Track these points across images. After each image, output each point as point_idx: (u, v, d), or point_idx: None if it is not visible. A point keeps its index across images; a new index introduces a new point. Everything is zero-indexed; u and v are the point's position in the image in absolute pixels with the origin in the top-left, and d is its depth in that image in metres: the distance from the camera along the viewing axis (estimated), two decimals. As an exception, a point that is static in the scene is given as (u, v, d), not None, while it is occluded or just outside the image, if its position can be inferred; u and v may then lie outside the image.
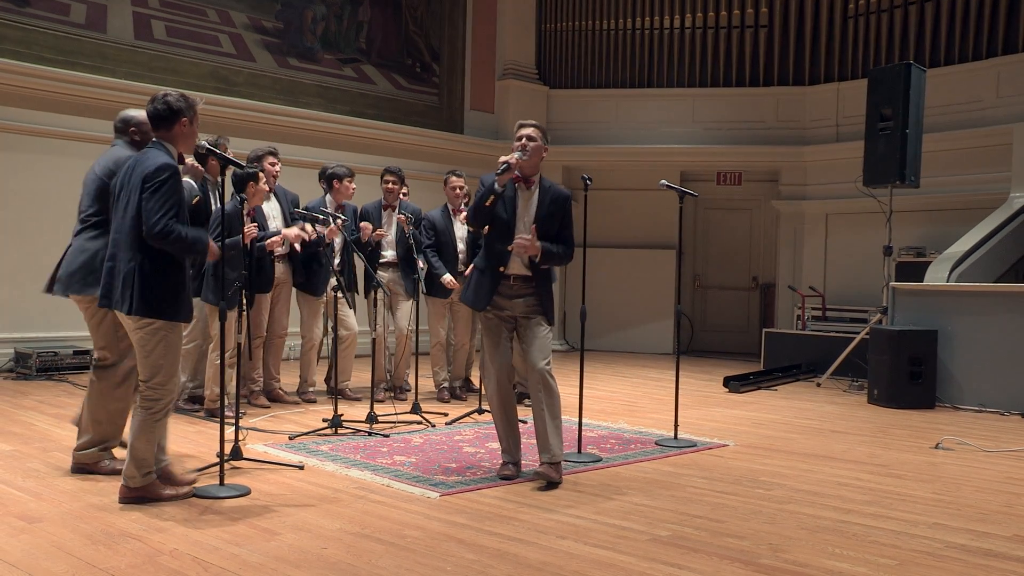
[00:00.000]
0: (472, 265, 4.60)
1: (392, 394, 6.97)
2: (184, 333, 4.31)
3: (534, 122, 4.43)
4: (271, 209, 6.40)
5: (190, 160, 5.01)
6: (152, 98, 3.85)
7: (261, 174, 5.73)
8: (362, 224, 6.74)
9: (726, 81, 11.86)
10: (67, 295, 4.24)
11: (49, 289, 4.32)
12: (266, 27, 9.87)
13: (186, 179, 4.42)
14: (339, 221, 6.21)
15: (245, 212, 5.54)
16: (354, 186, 6.78)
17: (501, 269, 4.37)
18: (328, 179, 6.75)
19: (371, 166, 10.07)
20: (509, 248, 4.33)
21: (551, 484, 4.24)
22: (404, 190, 7.18)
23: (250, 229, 5.79)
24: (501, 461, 4.51)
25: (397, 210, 6.94)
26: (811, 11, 11.46)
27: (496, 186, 4.28)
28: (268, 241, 6.04)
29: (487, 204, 4.29)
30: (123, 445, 4.28)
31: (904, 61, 8.86)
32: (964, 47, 10.34)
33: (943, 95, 10.08)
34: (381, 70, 10.92)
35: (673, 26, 12.02)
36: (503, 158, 4.28)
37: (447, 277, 6.79)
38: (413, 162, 9.84)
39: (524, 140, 4.33)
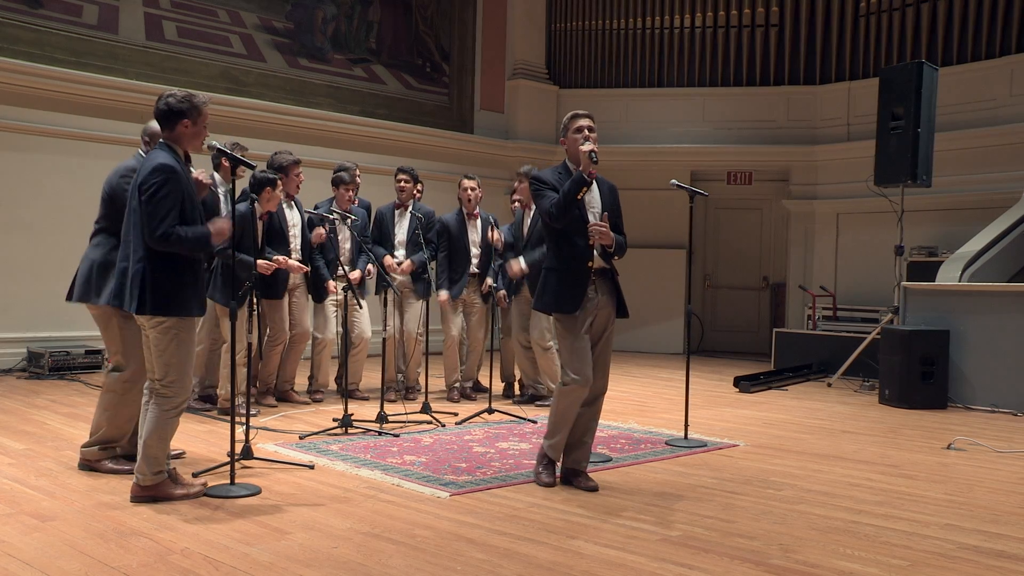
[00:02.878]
0: (544, 269, 4.31)
1: (403, 394, 6.98)
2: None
3: (588, 112, 4.34)
4: (292, 217, 6.41)
5: (199, 173, 5.01)
6: (158, 97, 3.89)
7: (279, 181, 5.73)
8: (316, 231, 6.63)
9: (736, 80, 11.84)
10: (75, 302, 4.42)
11: (69, 296, 4.47)
12: (276, 27, 9.90)
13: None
14: (348, 221, 6.22)
15: (258, 216, 5.57)
16: (350, 195, 6.73)
17: (589, 264, 4.18)
18: (332, 181, 6.77)
19: (381, 166, 10.10)
20: (591, 243, 4.18)
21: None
22: (419, 187, 7.19)
23: (265, 265, 5.83)
24: (548, 464, 4.29)
25: (410, 209, 6.94)
26: (822, 10, 11.42)
27: (587, 176, 4.12)
28: (260, 265, 6.00)
29: (579, 196, 4.12)
30: (124, 456, 4.37)
31: (916, 60, 8.83)
32: (977, 45, 10.29)
33: (956, 94, 10.03)
34: (391, 70, 10.93)
35: (683, 25, 12.00)
36: (588, 147, 4.14)
37: (443, 295, 6.88)
38: (423, 162, 9.86)
39: (586, 131, 4.24)
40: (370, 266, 6.64)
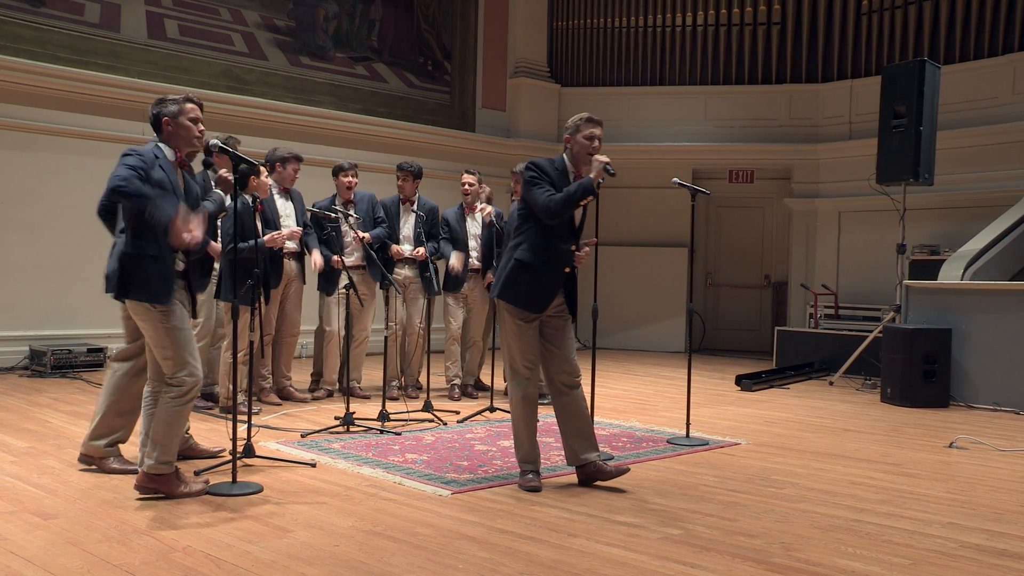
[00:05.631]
0: (516, 261, 4.21)
1: (404, 392, 6.98)
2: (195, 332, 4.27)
3: (601, 121, 4.33)
4: (284, 208, 6.42)
5: (224, 172, 5.00)
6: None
7: (262, 168, 5.71)
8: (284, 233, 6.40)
9: (739, 79, 11.83)
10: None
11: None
12: (278, 26, 9.90)
13: (218, 191, 4.43)
14: (351, 219, 6.22)
15: (256, 209, 5.56)
16: (348, 180, 6.67)
17: (567, 271, 4.21)
18: (332, 173, 6.79)
19: (383, 164, 10.09)
20: (573, 248, 4.20)
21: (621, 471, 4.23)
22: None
23: (273, 239, 5.82)
24: (521, 471, 4.26)
25: (416, 206, 6.95)
26: (824, 8, 11.40)
27: (596, 188, 4.09)
28: (266, 238, 5.98)
29: (583, 203, 4.13)
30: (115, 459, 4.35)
31: (918, 58, 8.81)
32: (980, 43, 10.27)
33: (958, 92, 10.01)
34: (393, 68, 10.93)
35: (685, 23, 11.99)
36: (605, 159, 4.12)
37: (453, 261, 6.82)
38: (425, 160, 9.84)
39: (597, 142, 4.22)
40: (366, 235, 6.58)
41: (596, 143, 4.22)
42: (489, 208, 6.95)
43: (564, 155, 4.32)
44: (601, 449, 5.00)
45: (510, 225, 6.83)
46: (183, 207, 3.79)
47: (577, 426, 4.26)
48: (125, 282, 3.81)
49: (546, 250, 4.19)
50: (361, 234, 6.44)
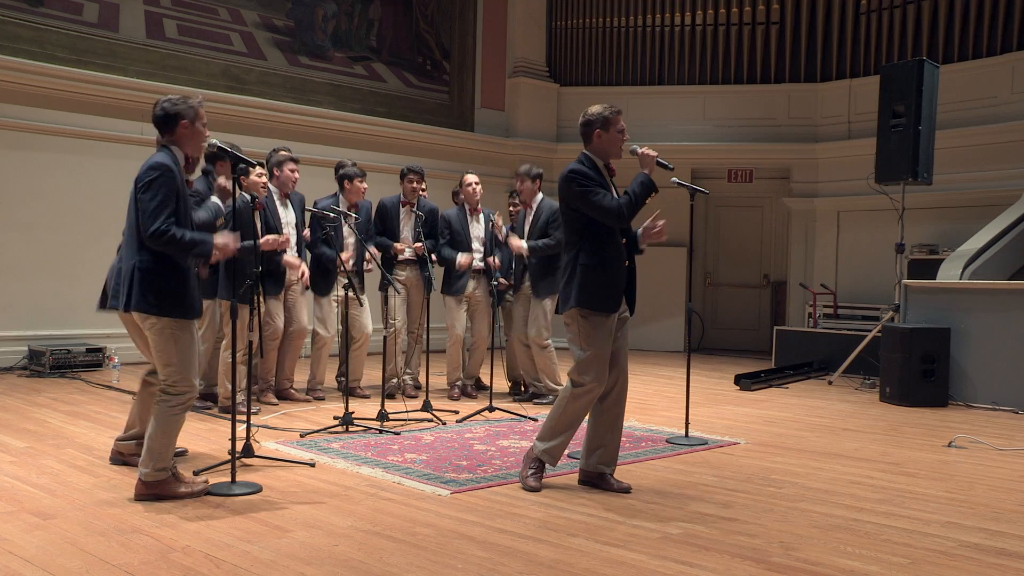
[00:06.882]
0: (582, 267, 4.14)
1: (401, 390, 6.97)
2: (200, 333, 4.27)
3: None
4: (285, 216, 6.40)
5: (222, 180, 5.00)
6: (154, 104, 3.91)
7: (252, 169, 5.70)
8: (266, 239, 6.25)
9: (737, 78, 11.83)
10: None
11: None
12: (277, 25, 9.90)
13: (213, 199, 4.42)
14: (350, 219, 6.22)
15: (255, 208, 5.58)
16: (365, 186, 6.76)
17: (627, 263, 4.26)
18: (340, 179, 6.76)
19: (382, 164, 10.10)
20: (624, 240, 4.25)
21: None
22: (423, 185, 7.22)
23: (267, 241, 5.81)
24: (524, 463, 4.24)
25: (415, 207, 6.95)
26: (823, 7, 11.41)
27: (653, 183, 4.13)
28: (263, 241, 5.95)
29: (647, 201, 4.18)
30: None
31: (917, 57, 8.81)
32: (978, 42, 10.28)
33: (957, 91, 10.02)
34: (392, 68, 10.93)
35: (684, 23, 11.99)
36: (654, 153, 4.19)
37: (461, 258, 6.81)
38: (423, 160, 9.85)
39: (625, 134, 4.23)
40: (373, 249, 6.65)
41: (626, 135, 4.25)
42: (500, 222, 6.87)
43: (587, 151, 4.23)
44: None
45: (517, 229, 6.83)
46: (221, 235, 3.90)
47: (607, 441, 4.20)
48: (144, 296, 3.72)
49: (606, 249, 4.19)
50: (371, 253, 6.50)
